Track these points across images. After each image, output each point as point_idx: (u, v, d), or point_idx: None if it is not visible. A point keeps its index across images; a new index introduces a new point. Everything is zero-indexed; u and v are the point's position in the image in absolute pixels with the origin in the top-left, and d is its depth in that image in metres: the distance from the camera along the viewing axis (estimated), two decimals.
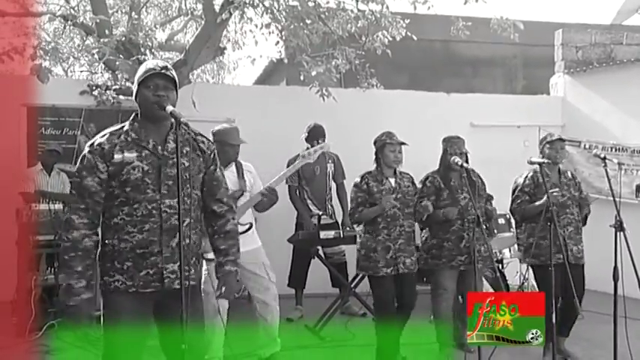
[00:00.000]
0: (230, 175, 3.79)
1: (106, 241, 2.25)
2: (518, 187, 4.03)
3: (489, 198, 4.11)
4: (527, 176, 4.01)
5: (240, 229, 3.71)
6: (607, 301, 3.40)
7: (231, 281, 2.50)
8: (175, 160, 2.21)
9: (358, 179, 3.77)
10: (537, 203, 3.83)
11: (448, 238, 3.81)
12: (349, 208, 3.83)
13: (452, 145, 3.89)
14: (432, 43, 9.45)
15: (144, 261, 2.22)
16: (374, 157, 3.80)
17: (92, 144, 2.27)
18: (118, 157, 2.22)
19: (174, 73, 2.31)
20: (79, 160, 2.27)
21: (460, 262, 3.79)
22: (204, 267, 3.75)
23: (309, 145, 5.13)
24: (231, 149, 3.77)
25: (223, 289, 2.51)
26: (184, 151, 2.28)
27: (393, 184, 3.74)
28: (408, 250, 3.70)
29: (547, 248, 3.46)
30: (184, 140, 2.30)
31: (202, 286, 3.71)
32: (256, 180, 3.89)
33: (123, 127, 2.32)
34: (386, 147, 3.72)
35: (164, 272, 2.23)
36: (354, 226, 4.40)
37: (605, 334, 3.50)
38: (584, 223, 4.07)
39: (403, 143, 3.74)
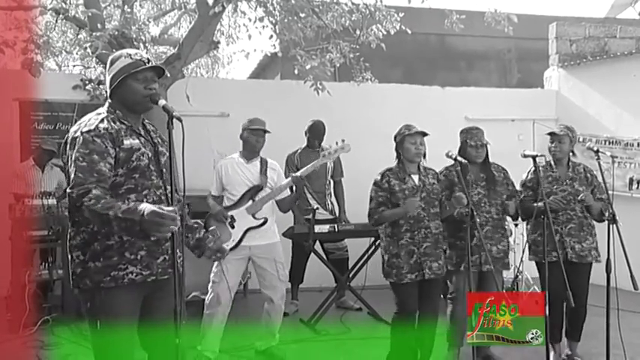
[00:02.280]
0: (252, 169, 3.84)
1: (112, 234, 2.11)
2: (521, 183, 3.94)
3: (513, 194, 3.83)
4: (529, 171, 3.91)
5: (255, 223, 3.77)
6: (600, 293, 3.42)
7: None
8: (160, 149, 2.29)
9: (379, 177, 3.46)
10: (535, 205, 3.70)
11: (462, 237, 3.52)
12: (368, 208, 3.50)
13: (472, 136, 3.69)
14: (427, 37, 9.45)
15: (159, 247, 2.20)
16: (395, 153, 3.52)
17: (95, 128, 2.12)
18: (127, 142, 2.17)
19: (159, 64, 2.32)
20: (80, 143, 2.09)
21: (472, 263, 3.48)
22: None
23: (308, 140, 5.15)
24: (251, 136, 3.83)
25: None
26: (162, 140, 2.33)
27: (417, 181, 3.45)
28: (434, 254, 3.41)
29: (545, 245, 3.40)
30: (155, 131, 2.33)
31: (211, 275, 3.75)
32: (280, 178, 3.93)
33: (107, 115, 2.21)
34: (406, 140, 3.41)
35: (175, 257, 2.18)
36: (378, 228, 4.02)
37: (598, 325, 3.52)
38: (600, 219, 3.76)
39: (424, 134, 3.44)
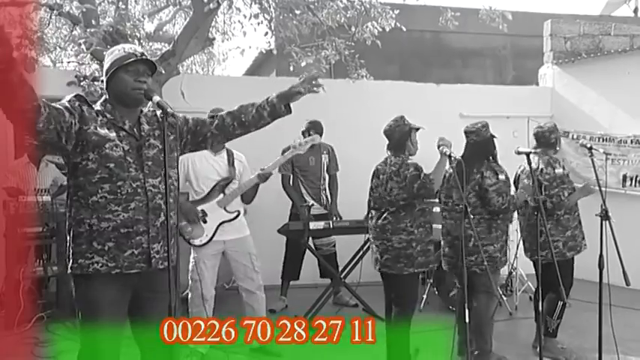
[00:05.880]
0: (220, 161, 3.83)
1: (83, 221, 2.16)
2: (519, 181, 3.95)
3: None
4: (538, 169, 3.85)
5: (228, 216, 3.76)
6: (593, 289, 3.45)
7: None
8: (151, 141, 2.25)
9: (421, 170, 3.40)
10: (579, 192, 3.84)
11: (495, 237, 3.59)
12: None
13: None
14: (422, 34, 9.44)
15: (128, 240, 2.17)
16: (395, 146, 3.50)
17: (70, 100, 2.17)
18: (102, 131, 2.17)
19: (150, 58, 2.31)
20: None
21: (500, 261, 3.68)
22: (192, 255, 3.77)
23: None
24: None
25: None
26: (156, 134, 2.28)
27: None
28: None
29: (557, 242, 3.45)
30: (153, 122, 2.30)
31: (189, 274, 3.76)
32: (245, 169, 3.91)
33: (94, 107, 2.25)
34: (412, 133, 3.47)
35: (151, 252, 2.20)
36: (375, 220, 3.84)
37: (590, 321, 3.54)
38: None
39: (421, 128, 3.55)
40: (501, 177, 3.67)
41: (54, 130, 2.05)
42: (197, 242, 3.70)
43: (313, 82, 2.46)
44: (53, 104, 2.09)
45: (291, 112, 2.52)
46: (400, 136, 3.49)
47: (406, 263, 3.42)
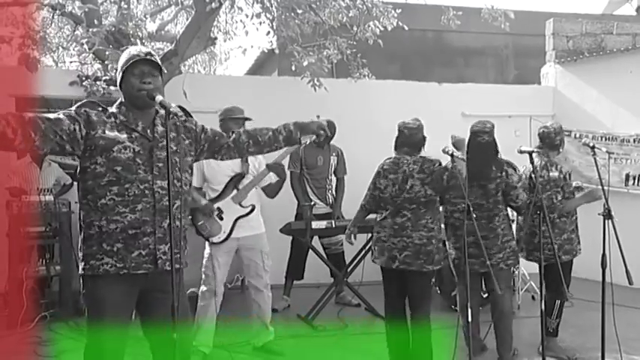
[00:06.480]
0: None
1: (93, 224, 2.20)
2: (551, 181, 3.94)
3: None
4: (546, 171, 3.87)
5: (242, 211, 3.78)
6: (595, 288, 3.44)
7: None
8: (164, 142, 2.23)
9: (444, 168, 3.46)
10: (581, 197, 3.89)
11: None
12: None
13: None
14: (424, 33, 9.44)
15: (135, 242, 2.19)
16: (412, 146, 3.56)
17: (79, 107, 2.23)
18: (111, 134, 2.20)
19: (157, 58, 2.32)
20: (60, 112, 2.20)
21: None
22: (207, 250, 3.79)
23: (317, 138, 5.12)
24: (234, 125, 3.79)
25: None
26: (171, 136, 2.29)
27: None
28: None
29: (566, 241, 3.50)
30: (170, 125, 2.31)
31: (203, 269, 3.78)
32: (261, 163, 3.91)
33: (108, 110, 2.29)
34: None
35: (157, 253, 2.22)
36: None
37: (593, 320, 3.55)
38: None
39: None
40: (520, 173, 3.80)
41: (52, 142, 2.10)
42: (215, 239, 3.72)
43: (322, 132, 2.65)
44: (50, 115, 2.13)
45: (301, 143, 2.69)
46: (421, 138, 3.58)
47: (425, 260, 3.42)
